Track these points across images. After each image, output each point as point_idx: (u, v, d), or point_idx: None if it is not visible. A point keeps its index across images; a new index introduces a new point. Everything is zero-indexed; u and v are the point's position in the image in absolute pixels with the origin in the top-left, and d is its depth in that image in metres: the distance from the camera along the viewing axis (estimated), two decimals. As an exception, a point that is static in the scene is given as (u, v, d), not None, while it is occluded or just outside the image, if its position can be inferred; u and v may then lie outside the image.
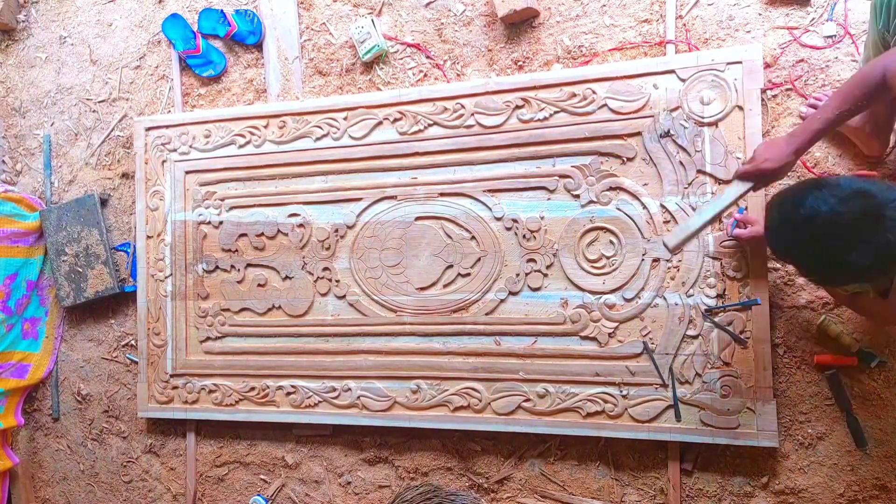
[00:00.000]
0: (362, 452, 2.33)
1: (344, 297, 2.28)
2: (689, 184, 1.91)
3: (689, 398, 1.91)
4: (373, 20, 2.31)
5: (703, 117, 1.91)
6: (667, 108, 1.94)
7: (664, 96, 1.95)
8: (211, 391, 2.43)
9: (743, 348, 1.86)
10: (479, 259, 2.12)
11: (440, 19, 2.30)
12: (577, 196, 2.03)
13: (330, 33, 2.44)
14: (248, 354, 2.39)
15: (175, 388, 2.48)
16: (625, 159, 1.98)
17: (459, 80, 2.25)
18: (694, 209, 1.91)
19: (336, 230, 2.29)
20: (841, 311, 1.85)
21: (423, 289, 2.18)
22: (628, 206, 1.98)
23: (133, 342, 2.65)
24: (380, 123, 2.24)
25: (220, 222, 2.44)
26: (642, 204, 1.96)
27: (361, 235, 2.27)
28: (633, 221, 1.97)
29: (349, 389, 2.26)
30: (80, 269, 2.66)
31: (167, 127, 2.52)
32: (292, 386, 2.32)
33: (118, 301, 2.69)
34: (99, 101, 2.77)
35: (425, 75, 2.30)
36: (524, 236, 2.07)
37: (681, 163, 1.92)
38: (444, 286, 2.16)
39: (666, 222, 1.94)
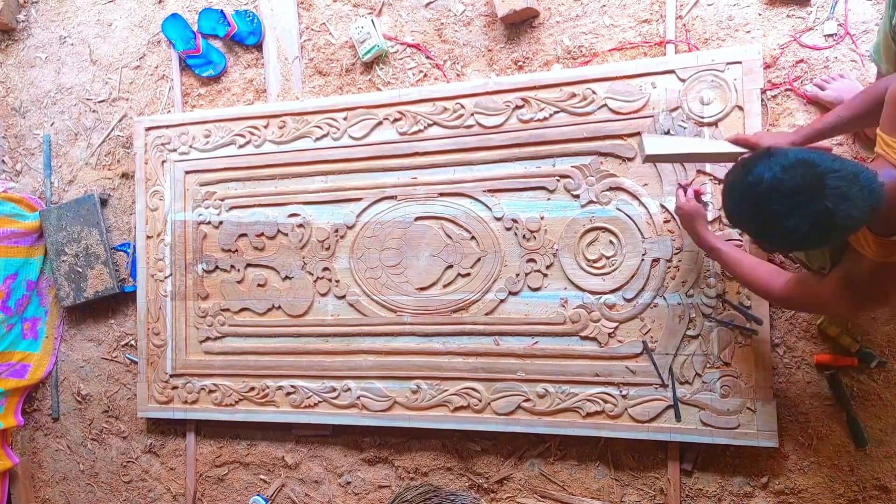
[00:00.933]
0: (362, 452, 2.33)
1: (344, 297, 2.28)
2: (689, 184, 1.91)
3: (688, 398, 1.91)
4: (373, 20, 2.31)
5: (702, 117, 1.91)
6: (667, 108, 1.94)
7: (664, 96, 1.95)
8: (211, 391, 2.43)
9: (745, 343, 1.85)
10: (478, 259, 2.12)
11: (440, 19, 2.30)
12: (577, 196, 2.03)
13: (330, 33, 2.44)
14: (248, 354, 2.39)
15: (175, 388, 2.48)
16: (625, 159, 1.98)
17: (459, 81, 2.25)
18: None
19: (336, 230, 2.29)
20: (841, 312, 1.85)
21: (422, 289, 2.18)
22: (628, 206, 1.98)
23: (133, 342, 2.65)
24: (380, 123, 2.24)
25: (220, 222, 2.44)
26: (642, 204, 1.96)
27: (361, 235, 2.27)
28: (633, 221, 1.97)
29: (349, 389, 2.26)
30: (80, 269, 2.66)
31: (167, 127, 2.52)
32: (292, 386, 2.32)
33: (118, 301, 2.69)
34: (99, 101, 2.78)
35: (425, 75, 2.30)
36: (524, 236, 2.07)
37: (681, 163, 1.92)
38: (444, 286, 2.16)
39: (666, 222, 1.94)
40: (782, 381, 1.90)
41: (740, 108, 1.87)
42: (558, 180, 2.05)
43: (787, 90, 1.91)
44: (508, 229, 2.09)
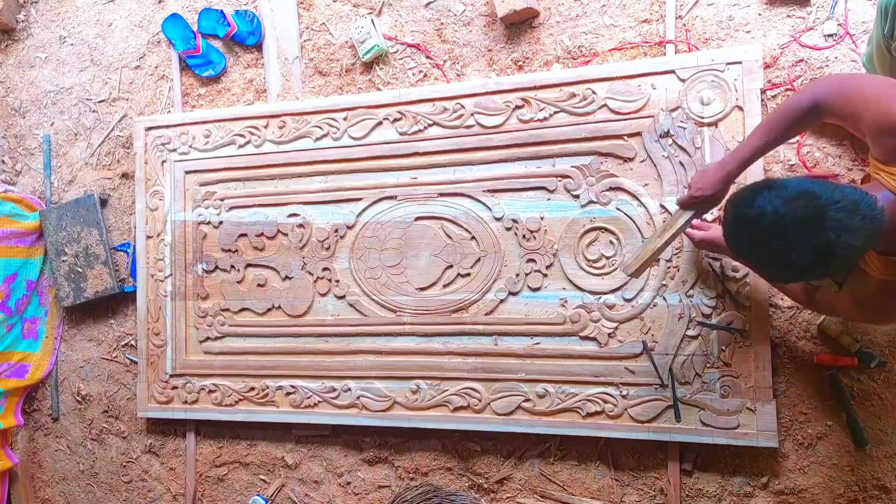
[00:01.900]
0: (362, 452, 2.33)
1: (344, 297, 2.28)
2: (689, 184, 1.91)
3: (688, 398, 1.91)
4: (373, 20, 2.31)
5: (702, 117, 1.91)
6: (667, 108, 1.94)
7: (664, 96, 1.95)
8: (211, 391, 2.43)
9: (745, 343, 1.86)
10: (478, 259, 2.12)
11: (440, 19, 2.30)
12: (577, 196, 2.03)
13: (330, 33, 2.44)
14: (248, 354, 2.39)
15: (175, 388, 2.48)
16: (625, 160, 1.98)
17: (459, 81, 2.25)
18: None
19: (336, 230, 2.29)
20: (841, 312, 1.85)
21: (422, 289, 2.18)
22: (628, 206, 1.98)
23: (133, 342, 2.65)
24: (380, 123, 2.24)
25: (220, 222, 2.44)
26: (642, 204, 1.96)
27: (361, 235, 2.27)
28: (633, 222, 1.97)
29: (349, 389, 2.26)
30: (80, 270, 2.66)
31: (167, 127, 2.52)
32: (292, 386, 2.32)
33: (118, 301, 2.69)
34: (99, 101, 2.77)
35: (425, 75, 2.30)
36: (524, 236, 2.07)
37: (681, 163, 1.92)
38: (444, 286, 2.16)
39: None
40: (782, 381, 1.90)
41: (740, 109, 1.87)
42: (558, 180, 2.05)
43: (787, 90, 1.91)
44: (508, 229, 2.09)
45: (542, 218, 2.06)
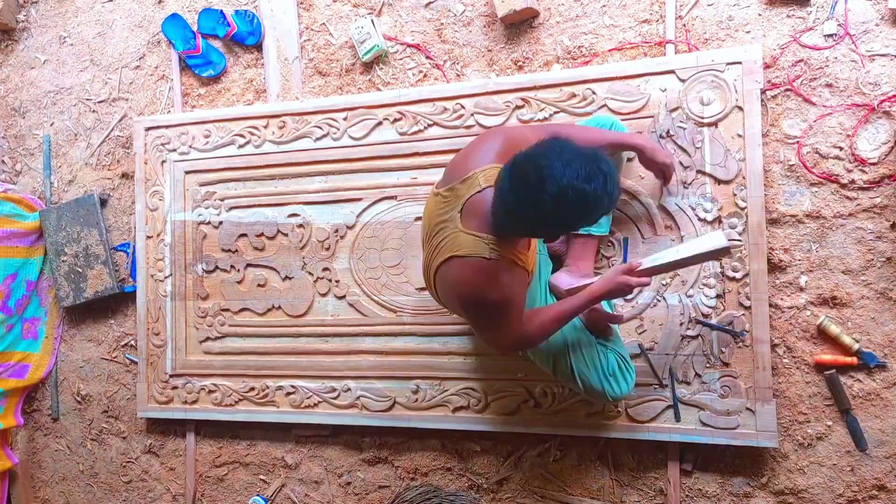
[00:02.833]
0: (362, 452, 2.33)
1: (344, 297, 2.28)
2: (689, 184, 1.91)
3: (688, 398, 1.91)
4: (373, 20, 2.31)
5: (702, 118, 1.91)
6: (667, 108, 1.94)
7: (664, 97, 1.95)
8: (210, 391, 2.43)
9: (743, 345, 1.86)
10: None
11: (440, 19, 2.30)
12: (577, 196, 2.02)
13: (330, 33, 2.44)
14: (248, 354, 2.39)
15: (175, 388, 2.48)
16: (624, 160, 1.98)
17: (459, 81, 2.25)
18: (693, 209, 1.91)
19: (336, 230, 2.29)
20: (841, 312, 1.86)
21: (422, 289, 2.18)
22: (628, 206, 1.98)
23: (132, 342, 2.65)
24: (380, 124, 2.24)
25: (220, 222, 2.44)
26: (642, 204, 1.96)
27: (361, 236, 2.27)
28: (633, 222, 1.97)
29: (349, 389, 2.26)
30: (80, 270, 2.66)
31: (167, 127, 2.52)
32: (292, 386, 2.32)
33: (118, 301, 2.69)
34: (99, 102, 2.77)
35: (425, 75, 2.30)
36: (524, 236, 2.07)
37: (680, 163, 1.92)
38: (444, 286, 2.16)
39: (667, 227, 1.94)
40: (782, 381, 1.90)
41: (740, 109, 1.87)
42: (558, 180, 2.04)
43: (786, 90, 1.91)
44: (508, 229, 2.09)
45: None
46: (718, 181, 1.89)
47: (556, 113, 2.04)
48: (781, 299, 1.90)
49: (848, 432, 1.85)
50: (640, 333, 1.96)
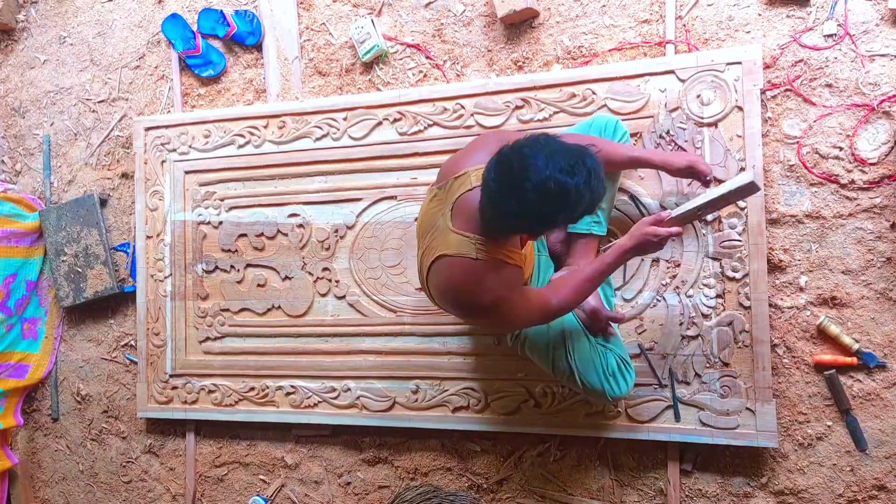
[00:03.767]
0: (362, 452, 2.33)
1: (344, 297, 2.28)
2: (689, 184, 1.91)
3: (688, 398, 1.91)
4: (372, 20, 2.31)
5: (702, 118, 1.91)
6: (666, 108, 1.94)
7: (664, 97, 1.95)
8: (210, 391, 2.43)
9: (745, 343, 1.85)
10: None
11: (440, 19, 2.30)
12: (577, 196, 2.02)
13: (330, 33, 2.44)
14: (248, 354, 2.39)
15: (174, 388, 2.48)
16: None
17: (459, 81, 2.25)
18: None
19: (336, 230, 2.29)
20: (841, 312, 1.86)
21: (422, 289, 2.18)
22: (627, 206, 1.98)
23: (132, 342, 2.65)
24: (379, 124, 2.24)
25: (220, 222, 2.44)
26: (642, 204, 1.96)
27: (361, 236, 2.27)
28: (633, 222, 1.97)
29: (349, 389, 2.26)
30: (80, 270, 2.66)
31: (167, 127, 2.52)
32: (292, 386, 2.32)
33: (117, 301, 2.69)
34: (98, 101, 2.77)
35: (425, 75, 2.30)
36: (524, 236, 2.07)
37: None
38: (444, 286, 2.16)
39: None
40: (782, 381, 1.90)
41: (740, 109, 1.87)
42: (558, 180, 2.04)
43: (786, 90, 1.91)
44: (508, 229, 2.09)
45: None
46: (718, 181, 1.88)
47: (555, 113, 2.04)
48: (781, 299, 1.90)
49: (848, 432, 1.85)
50: (639, 333, 1.96)
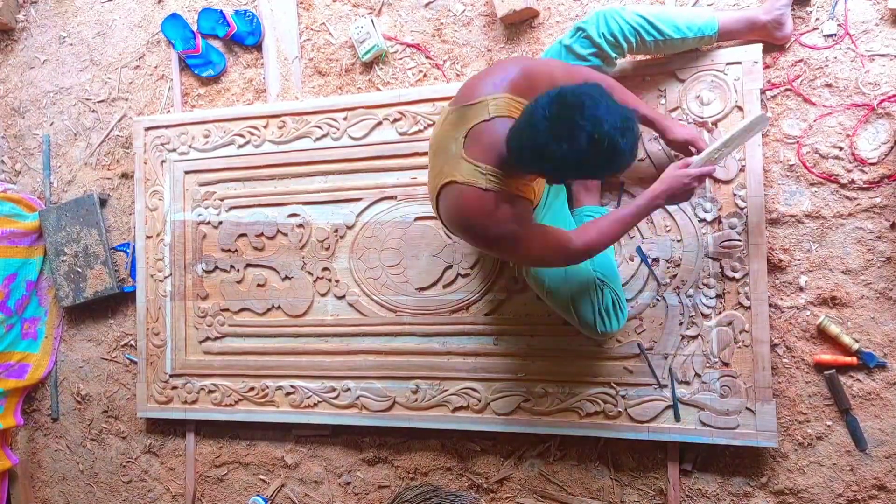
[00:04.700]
0: (362, 452, 2.33)
1: (343, 297, 2.28)
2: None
3: (688, 398, 1.91)
4: (372, 20, 2.31)
5: (702, 118, 1.91)
6: (666, 108, 1.94)
7: (663, 97, 1.94)
8: (210, 391, 2.43)
9: (745, 343, 1.85)
10: (478, 259, 2.12)
11: (440, 19, 2.30)
12: (577, 196, 2.02)
13: (329, 33, 2.44)
14: (248, 354, 2.39)
15: (174, 388, 2.48)
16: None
17: (459, 81, 2.25)
18: (693, 209, 1.91)
19: (336, 230, 2.29)
20: (841, 312, 1.86)
21: (422, 289, 2.18)
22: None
23: (132, 342, 2.65)
24: (379, 123, 2.24)
25: (220, 222, 2.44)
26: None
27: (361, 235, 2.27)
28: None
29: (349, 389, 2.26)
30: (80, 270, 2.66)
31: (166, 127, 2.52)
32: (292, 386, 2.32)
33: (117, 301, 2.69)
34: (98, 101, 2.77)
35: (425, 75, 2.30)
36: (524, 236, 2.07)
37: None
38: (444, 286, 2.16)
39: (667, 230, 1.94)
40: (782, 381, 1.90)
41: (740, 109, 1.87)
42: (558, 180, 2.04)
43: (786, 90, 1.91)
44: (508, 229, 2.09)
45: (541, 218, 2.06)
46: (718, 181, 1.89)
47: (555, 113, 2.04)
48: (781, 299, 1.90)
49: (848, 432, 1.85)
50: (639, 333, 1.96)
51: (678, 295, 1.92)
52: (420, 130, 2.19)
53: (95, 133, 2.77)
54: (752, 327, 1.85)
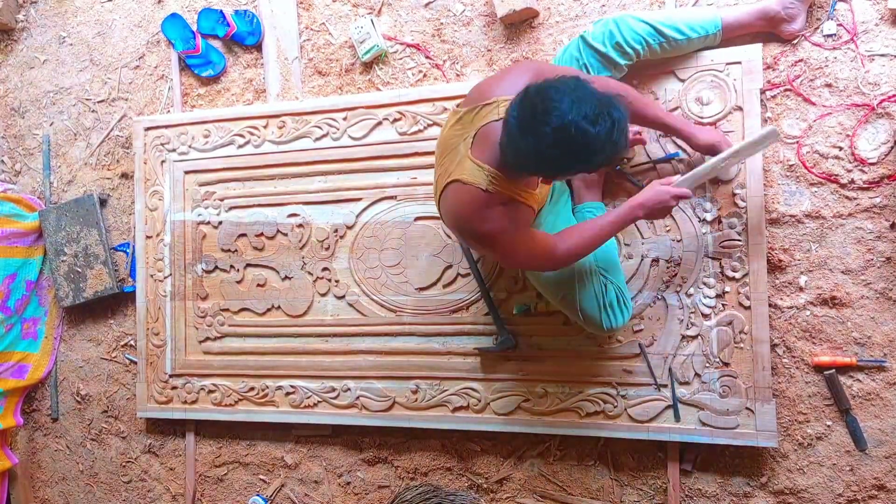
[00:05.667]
0: (362, 452, 2.33)
1: (343, 297, 2.28)
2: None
3: (688, 398, 1.91)
4: (372, 20, 2.31)
5: (701, 118, 1.91)
6: (665, 108, 1.94)
7: (663, 97, 1.94)
8: (210, 391, 2.43)
9: (745, 343, 1.85)
10: (478, 259, 2.12)
11: (440, 19, 2.30)
12: (577, 196, 2.02)
13: (329, 33, 2.44)
14: (248, 354, 2.39)
15: (174, 388, 2.48)
16: (623, 159, 1.98)
17: (459, 81, 2.25)
18: (693, 210, 1.91)
19: (335, 230, 2.29)
20: (841, 312, 1.85)
21: (422, 289, 2.18)
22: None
23: (132, 342, 2.65)
24: (379, 123, 2.24)
25: (220, 222, 2.44)
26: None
27: (361, 235, 2.26)
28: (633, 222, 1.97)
29: (348, 389, 2.26)
30: (80, 270, 2.65)
31: (166, 127, 2.52)
32: (292, 386, 2.32)
33: (117, 301, 2.69)
34: (98, 101, 2.77)
35: (425, 75, 2.30)
36: (524, 236, 2.07)
37: (680, 162, 1.92)
38: (444, 286, 2.16)
39: (667, 230, 1.94)
40: (782, 381, 1.90)
41: (740, 109, 1.87)
42: (558, 180, 2.04)
43: (786, 90, 1.91)
44: (508, 229, 2.09)
45: (541, 218, 2.06)
46: (718, 181, 1.89)
47: (555, 113, 2.04)
48: (781, 299, 1.90)
49: (848, 432, 1.85)
50: (636, 332, 1.96)
51: (678, 295, 1.92)
52: (420, 130, 2.19)
53: (95, 133, 2.77)
54: (752, 327, 1.85)
